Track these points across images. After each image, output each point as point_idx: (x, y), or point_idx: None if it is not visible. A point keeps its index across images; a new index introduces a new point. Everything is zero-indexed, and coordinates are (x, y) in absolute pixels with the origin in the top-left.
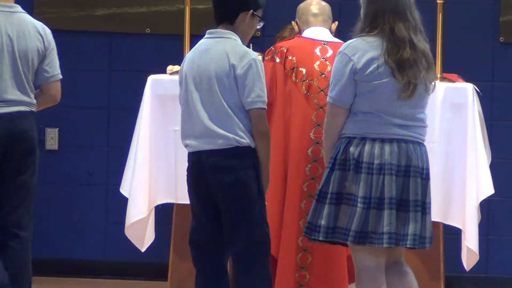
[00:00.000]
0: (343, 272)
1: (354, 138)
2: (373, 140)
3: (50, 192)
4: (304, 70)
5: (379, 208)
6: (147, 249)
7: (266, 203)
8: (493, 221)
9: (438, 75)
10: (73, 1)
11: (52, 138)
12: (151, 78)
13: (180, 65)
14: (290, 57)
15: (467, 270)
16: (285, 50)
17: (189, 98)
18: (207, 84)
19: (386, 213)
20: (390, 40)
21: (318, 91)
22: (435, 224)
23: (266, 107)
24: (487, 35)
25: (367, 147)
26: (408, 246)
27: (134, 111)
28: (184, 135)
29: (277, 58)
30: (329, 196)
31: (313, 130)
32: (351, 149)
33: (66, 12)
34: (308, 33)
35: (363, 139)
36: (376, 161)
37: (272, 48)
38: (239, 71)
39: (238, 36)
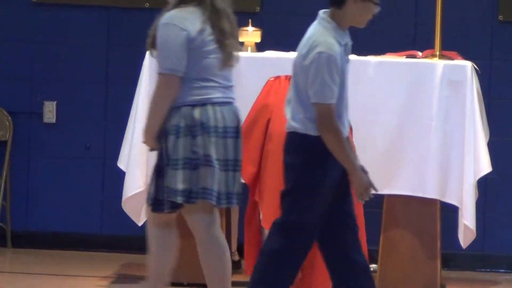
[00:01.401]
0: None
1: (195, 105)
2: (213, 104)
3: (47, 165)
4: None
5: (227, 169)
6: (144, 223)
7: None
8: (490, 199)
9: (437, 53)
10: None
11: (50, 111)
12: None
13: None
14: None
15: (464, 248)
16: (290, 75)
17: None
18: (293, 66)
19: (236, 174)
20: (211, 11)
21: None
22: (433, 201)
23: (327, 102)
24: (486, 13)
25: (210, 112)
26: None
27: (132, 85)
28: None
29: (282, 77)
30: (182, 161)
31: None
32: (196, 115)
33: None
34: None
35: (204, 105)
36: (220, 125)
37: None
38: (305, 62)
39: (332, 23)
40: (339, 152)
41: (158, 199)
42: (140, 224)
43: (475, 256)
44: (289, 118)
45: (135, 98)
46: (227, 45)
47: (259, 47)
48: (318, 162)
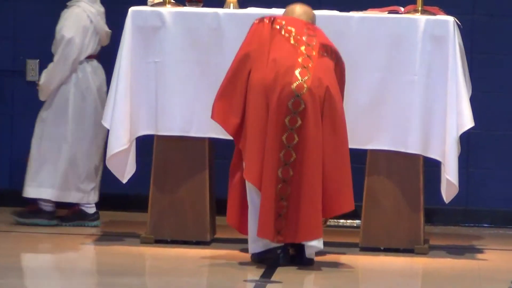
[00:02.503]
0: (318, 204)
1: None
2: None
3: (30, 124)
4: (293, 30)
5: None
6: (128, 180)
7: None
8: (473, 154)
9: (419, 8)
10: None
11: (32, 70)
12: (132, 10)
13: None
14: (279, 20)
15: (447, 202)
16: (275, 17)
17: None
18: None
19: None
20: None
21: (305, 45)
22: (416, 156)
23: None
24: None
25: None
26: None
27: (115, 43)
28: None
29: (266, 20)
30: None
31: (299, 69)
32: None
33: None
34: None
35: None
36: None
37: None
38: None
39: None
40: None
41: None
42: (124, 181)
43: (458, 211)
44: None
45: (118, 56)
46: None
47: (242, 3)
48: None
